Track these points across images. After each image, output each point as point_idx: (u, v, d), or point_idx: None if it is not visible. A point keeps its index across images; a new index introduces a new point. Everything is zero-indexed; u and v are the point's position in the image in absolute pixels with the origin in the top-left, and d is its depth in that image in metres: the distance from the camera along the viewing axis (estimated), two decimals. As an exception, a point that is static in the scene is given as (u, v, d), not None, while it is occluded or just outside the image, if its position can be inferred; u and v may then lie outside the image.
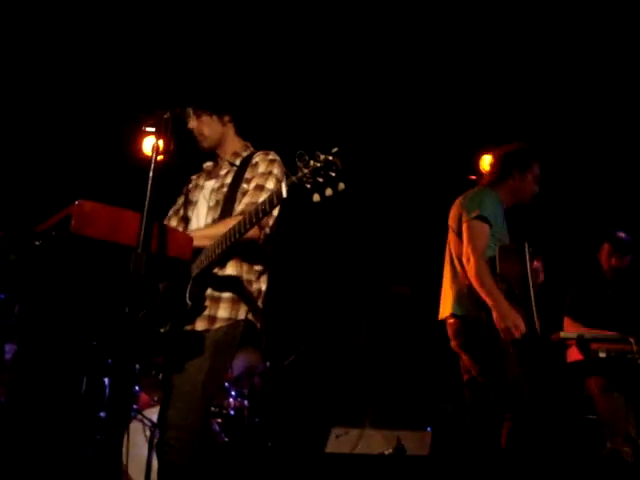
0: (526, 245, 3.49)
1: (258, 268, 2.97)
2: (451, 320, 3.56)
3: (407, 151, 6.23)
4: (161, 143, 2.48)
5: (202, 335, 2.81)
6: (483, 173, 4.08)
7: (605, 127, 5.88)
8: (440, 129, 6.12)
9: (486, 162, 6.57)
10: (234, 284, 2.87)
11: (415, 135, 6.13)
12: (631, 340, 4.44)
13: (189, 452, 2.72)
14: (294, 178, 2.30)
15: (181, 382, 2.77)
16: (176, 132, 2.76)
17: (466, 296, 3.49)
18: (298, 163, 2.29)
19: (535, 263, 3.62)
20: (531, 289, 3.41)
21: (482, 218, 3.51)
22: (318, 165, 2.24)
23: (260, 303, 2.97)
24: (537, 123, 5.97)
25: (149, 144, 3.02)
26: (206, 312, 2.81)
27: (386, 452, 4.66)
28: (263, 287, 2.99)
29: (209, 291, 2.83)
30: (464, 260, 3.53)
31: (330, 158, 2.24)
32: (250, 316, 2.91)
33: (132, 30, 5.15)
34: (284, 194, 2.34)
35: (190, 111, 3.08)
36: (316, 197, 2.25)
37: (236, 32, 5.24)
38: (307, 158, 2.27)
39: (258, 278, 2.97)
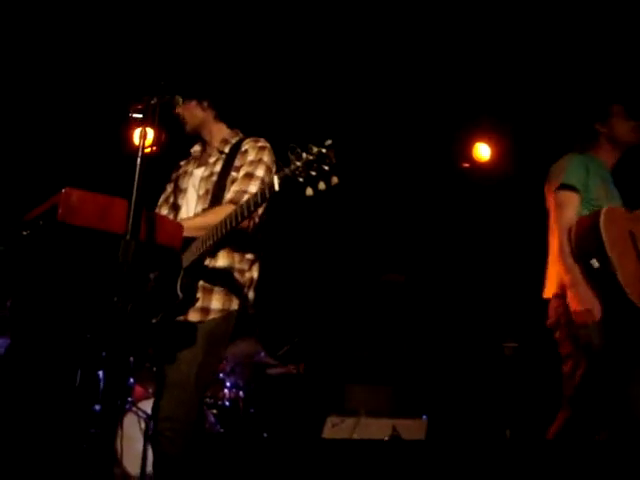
0: (602, 213, 3.06)
1: (250, 257, 2.94)
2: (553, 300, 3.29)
3: (399, 139, 6.19)
4: (149, 130, 2.45)
5: (195, 326, 2.78)
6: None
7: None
8: (433, 116, 6.07)
9: (479, 150, 6.58)
10: (226, 275, 2.85)
11: (407, 121, 6.09)
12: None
13: (183, 443, 2.71)
14: (287, 171, 2.26)
15: (174, 373, 2.76)
16: (166, 120, 2.75)
17: None
18: (290, 155, 2.25)
19: None
20: (612, 261, 2.97)
21: (566, 187, 3.21)
22: (311, 158, 2.21)
23: (252, 292, 2.96)
24: (526, 111, 5.95)
25: (138, 132, 3.01)
26: (199, 303, 2.78)
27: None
28: (255, 275, 2.97)
29: (201, 282, 2.80)
30: (550, 235, 3.28)
31: (323, 151, 2.20)
32: (245, 305, 2.89)
33: (118, 20, 5.11)
34: (276, 187, 2.30)
35: (179, 98, 3.04)
36: (309, 191, 2.22)
37: (219, 18, 5.18)
38: (299, 150, 2.23)
39: (250, 267, 2.95)
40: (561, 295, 3.20)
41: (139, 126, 2.51)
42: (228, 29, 5.23)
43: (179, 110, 3.02)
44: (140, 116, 2.46)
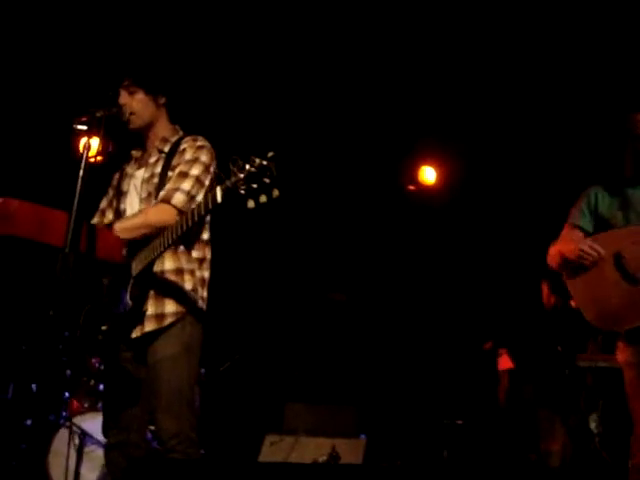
0: None
1: (197, 255, 2.87)
2: None
3: (347, 159, 6.25)
4: (93, 142, 2.42)
5: (164, 335, 2.73)
6: None
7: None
8: (380, 137, 6.15)
9: (425, 173, 6.70)
10: (176, 277, 2.79)
11: (355, 142, 6.14)
12: (559, 349, 4.58)
13: (194, 446, 2.74)
14: (228, 183, 2.26)
15: (161, 388, 2.71)
16: (113, 132, 2.70)
17: None
18: (232, 167, 2.25)
19: None
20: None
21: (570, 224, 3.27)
22: (253, 170, 2.20)
23: (205, 291, 2.88)
24: (473, 136, 6.07)
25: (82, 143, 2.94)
26: (152, 311, 2.72)
27: (320, 459, 4.64)
28: (206, 275, 2.89)
29: (152, 288, 2.73)
30: None
31: (265, 163, 2.21)
32: (200, 304, 2.84)
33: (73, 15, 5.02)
34: (219, 199, 2.30)
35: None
36: (250, 203, 2.22)
37: (186, 23, 5.16)
38: (241, 162, 2.23)
39: (200, 266, 2.87)
40: None
41: (84, 137, 2.48)
42: (189, 34, 5.21)
43: (125, 100, 2.86)
44: (84, 128, 2.43)
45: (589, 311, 3.04)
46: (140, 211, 2.82)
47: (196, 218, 2.46)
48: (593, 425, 4.30)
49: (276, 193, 2.22)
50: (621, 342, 3.03)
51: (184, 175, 2.78)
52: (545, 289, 5.03)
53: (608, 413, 4.32)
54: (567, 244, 3.09)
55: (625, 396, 2.98)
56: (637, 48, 4.95)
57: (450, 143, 6.30)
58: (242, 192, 2.22)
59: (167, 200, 2.72)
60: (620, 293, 2.96)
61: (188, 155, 2.84)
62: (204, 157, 2.83)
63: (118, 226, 2.70)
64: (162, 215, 2.70)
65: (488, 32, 5.26)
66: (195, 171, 2.79)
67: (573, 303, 3.12)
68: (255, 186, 2.21)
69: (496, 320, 5.58)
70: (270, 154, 2.24)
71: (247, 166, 2.22)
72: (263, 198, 2.22)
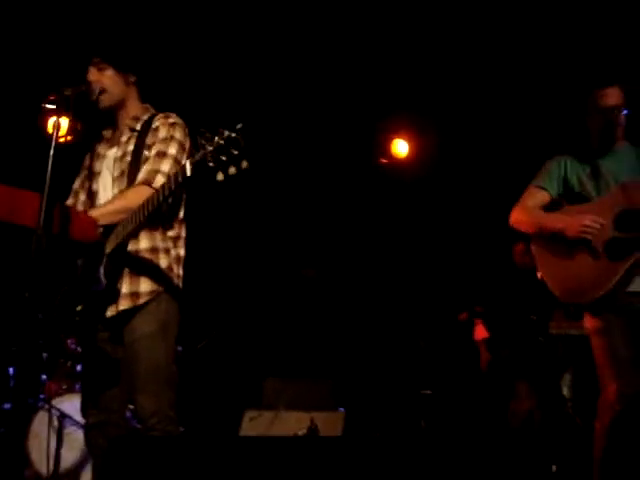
0: None
1: (172, 234, 2.86)
2: None
3: (317, 133, 6.23)
4: (62, 121, 2.40)
5: (140, 313, 2.72)
6: None
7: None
8: (351, 110, 6.12)
9: (397, 146, 6.70)
10: (152, 255, 2.77)
11: (326, 115, 6.12)
12: (533, 318, 4.66)
13: (173, 424, 2.72)
14: (197, 156, 2.27)
15: (140, 367, 2.70)
16: (82, 110, 2.67)
17: None
18: (200, 140, 2.26)
19: None
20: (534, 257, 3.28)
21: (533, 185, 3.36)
22: (221, 142, 2.22)
23: (181, 269, 2.88)
24: (446, 109, 6.09)
25: (52, 123, 2.91)
26: (127, 289, 2.70)
27: (300, 433, 4.69)
28: (181, 253, 2.88)
29: (126, 267, 2.72)
30: None
31: (233, 135, 2.23)
32: (176, 282, 2.83)
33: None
34: (188, 172, 2.31)
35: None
36: (220, 176, 2.24)
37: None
38: (210, 135, 2.24)
39: (175, 244, 2.86)
40: None
41: (53, 117, 2.46)
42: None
43: (94, 77, 2.82)
44: (53, 107, 2.41)
45: (555, 283, 3.13)
46: (119, 195, 2.77)
47: (167, 192, 2.46)
48: (565, 390, 4.40)
49: (245, 164, 2.24)
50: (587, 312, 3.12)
51: (162, 155, 2.76)
52: (520, 249, 5.08)
53: (579, 379, 4.43)
54: (565, 219, 3.12)
55: (594, 362, 3.07)
56: (603, 26, 5.00)
57: (422, 115, 6.31)
58: (211, 164, 2.24)
59: (148, 183, 2.69)
60: (585, 267, 3.05)
61: (162, 133, 2.82)
62: (178, 134, 2.82)
63: (97, 212, 2.65)
64: (143, 198, 2.63)
65: (459, 5, 5.26)
66: (172, 150, 2.77)
67: (539, 274, 3.20)
68: (224, 158, 2.22)
69: (471, 291, 5.65)
70: (238, 126, 2.25)
71: (215, 138, 2.24)
72: (232, 170, 2.23)
